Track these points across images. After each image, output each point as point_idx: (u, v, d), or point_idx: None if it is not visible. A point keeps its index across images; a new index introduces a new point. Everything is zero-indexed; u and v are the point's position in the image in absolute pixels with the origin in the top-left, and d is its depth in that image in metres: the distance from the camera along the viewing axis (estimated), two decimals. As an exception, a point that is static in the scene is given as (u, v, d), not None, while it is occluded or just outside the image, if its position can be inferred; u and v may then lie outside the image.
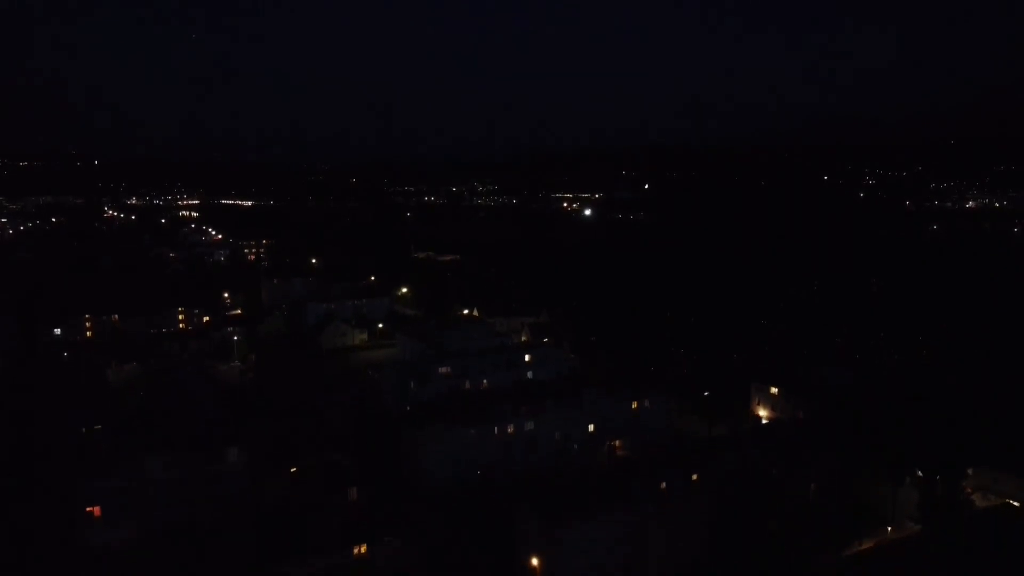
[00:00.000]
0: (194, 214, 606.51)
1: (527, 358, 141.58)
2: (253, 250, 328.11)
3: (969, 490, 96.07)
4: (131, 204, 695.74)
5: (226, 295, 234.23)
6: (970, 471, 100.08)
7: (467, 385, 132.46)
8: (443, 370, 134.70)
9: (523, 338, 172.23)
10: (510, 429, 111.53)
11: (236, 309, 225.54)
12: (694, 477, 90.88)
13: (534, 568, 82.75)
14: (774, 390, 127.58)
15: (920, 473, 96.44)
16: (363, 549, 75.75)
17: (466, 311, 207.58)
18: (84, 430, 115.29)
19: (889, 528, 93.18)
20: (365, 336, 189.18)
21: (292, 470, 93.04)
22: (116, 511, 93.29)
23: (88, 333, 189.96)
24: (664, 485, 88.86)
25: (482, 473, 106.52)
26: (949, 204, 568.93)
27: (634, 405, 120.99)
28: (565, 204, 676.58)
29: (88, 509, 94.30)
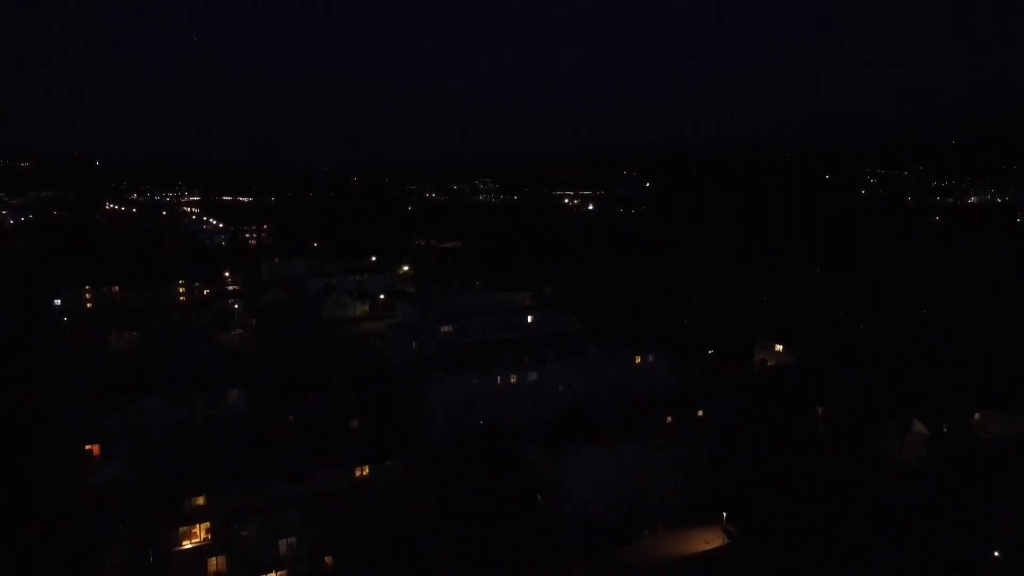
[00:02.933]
0: (195, 210, 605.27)
1: (529, 319, 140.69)
2: (254, 235, 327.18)
3: (976, 431, 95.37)
4: (132, 200, 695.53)
5: (226, 274, 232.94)
6: (977, 416, 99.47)
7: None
8: (445, 329, 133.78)
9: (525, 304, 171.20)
10: (513, 379, 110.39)
11: (236, 287, 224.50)
12: (699, 414, 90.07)
13: (538, 499, 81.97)
14: (779, 347, 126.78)
15: (928, 417, 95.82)
16: (365, 471, 74.73)
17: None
18: (83, 379, 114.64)
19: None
20: (366, 308, 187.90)
21: (293, 407, 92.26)
22: (116, 450, 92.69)
23: (88, 305, 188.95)
24: (669, 420, 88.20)
25: (484, 423, 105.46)
26: (951, 200, 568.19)
27: (637, 360, 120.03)
28: (566, 200, 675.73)
29: (87, 448, 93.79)
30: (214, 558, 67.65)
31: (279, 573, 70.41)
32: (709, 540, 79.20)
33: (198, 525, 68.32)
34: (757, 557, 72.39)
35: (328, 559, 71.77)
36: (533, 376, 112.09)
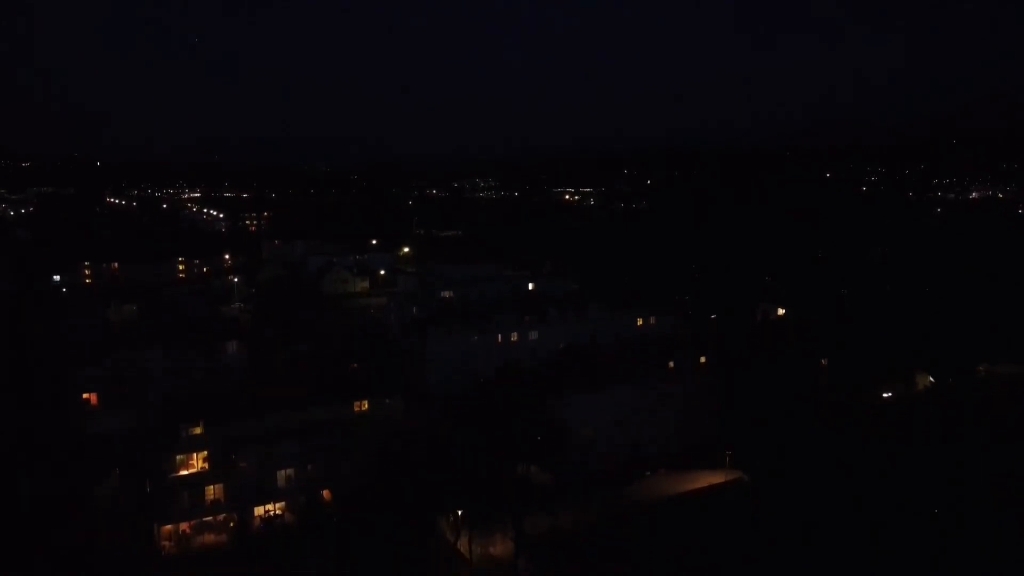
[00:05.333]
0: (194, 207, 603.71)
1: (531, 286, 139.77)
2: (254, 222, 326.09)
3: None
4: (133, 195, 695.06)
5: (227, 256, 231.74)
6: (982, 368, 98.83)
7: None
8: (445, 294, 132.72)
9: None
10: (513, 337, 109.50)
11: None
12: (702, 360, 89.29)
13: (540, 443, 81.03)
14: (781, 311, 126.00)
15: (932, 367, 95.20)
16: (364, 406, 74.05)
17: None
18: (82, 337, 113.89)
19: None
20: (367, 284, 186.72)
21: (291, 355, 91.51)
22: (114, 399, 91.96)
23: (87, 280, 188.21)
24: (672, 364, 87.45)
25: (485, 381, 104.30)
26: (952, 195, 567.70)
27: (639, 322, 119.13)
28: (567, 196, 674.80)
29: (84, 396, 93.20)
30: (211, 486, 66.85)
31: (277, 504, 69.63)
32: (712, 481, 78.39)
33: (196, 454, 67.62)
34: (759, 492, 71.59)
35: (326, 492, 70.98)
36: (534, 335, 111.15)
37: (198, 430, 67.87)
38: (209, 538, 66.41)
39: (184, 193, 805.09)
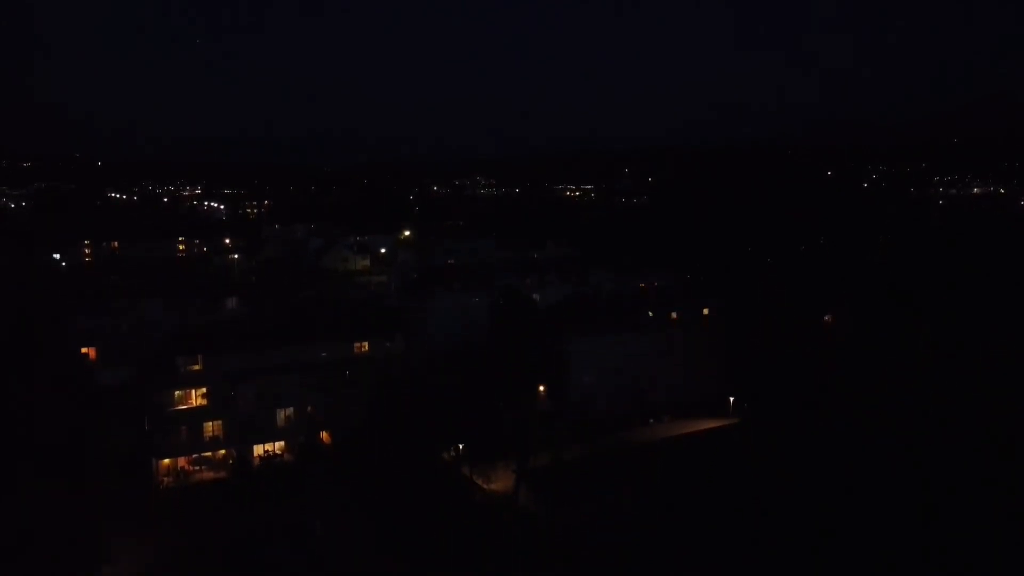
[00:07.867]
0: (195, 203, 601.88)
1: (534, 255, 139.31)
2: (254, 209, 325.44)
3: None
4: (134, 191, 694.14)
5: (227, 239, 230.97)
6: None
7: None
8: (448, 261, 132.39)
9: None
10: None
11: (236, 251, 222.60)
12: (705, 311, 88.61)
13: (541, 393, 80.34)
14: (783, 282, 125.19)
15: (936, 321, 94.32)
16: (365, 347, 73.34)
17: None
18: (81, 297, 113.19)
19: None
20: (367, 262, 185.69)
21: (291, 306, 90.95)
22: (114, 353, 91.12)
23: (87, 259, 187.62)
24: (674, 315, 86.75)
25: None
26: (954, 191, 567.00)
27: (642, 285, 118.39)
28: (568, 193, 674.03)
29: (83, 350, 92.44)
30: (210, 422, 66.13)
31: (277, 444, 68.92)
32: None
33: (194, 390, 66.87)
34: (761, 430, 70.92)
35: (325, 434, 70.27)
36: (536, 296, 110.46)
37: (197, 366, 67.17)
38: (208, 474, 65.72)
39: (185, 190, 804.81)
